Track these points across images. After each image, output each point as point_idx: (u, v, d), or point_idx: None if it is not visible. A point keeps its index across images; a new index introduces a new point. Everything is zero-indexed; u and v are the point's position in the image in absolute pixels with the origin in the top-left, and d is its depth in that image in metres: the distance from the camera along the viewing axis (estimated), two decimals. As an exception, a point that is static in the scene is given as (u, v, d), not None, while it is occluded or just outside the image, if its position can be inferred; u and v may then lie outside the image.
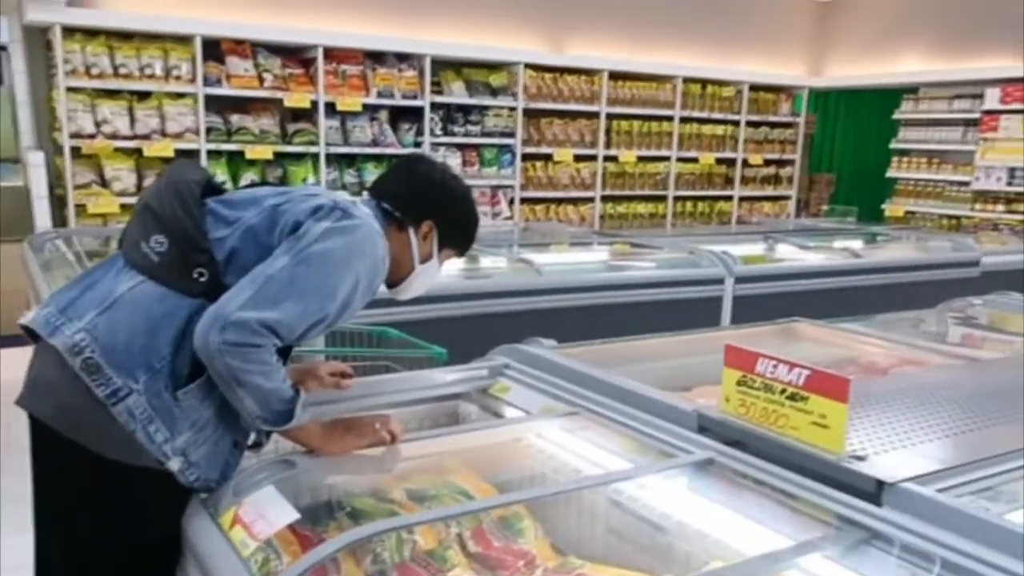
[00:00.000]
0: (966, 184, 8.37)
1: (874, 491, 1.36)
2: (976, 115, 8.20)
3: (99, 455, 1.56)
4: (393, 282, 1.91)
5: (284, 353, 1.67)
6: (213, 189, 1.80)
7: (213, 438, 1.63)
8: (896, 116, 8.91)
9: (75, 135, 5.77)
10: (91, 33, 5.84)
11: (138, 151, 5.99)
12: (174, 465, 1.58)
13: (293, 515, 1.49)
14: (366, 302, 1.73)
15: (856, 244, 5.74)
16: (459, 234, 1.96)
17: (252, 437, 1.74)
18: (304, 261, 1.59)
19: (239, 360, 1.51)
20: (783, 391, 1.51)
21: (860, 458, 1.44)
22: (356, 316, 1.76)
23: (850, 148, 9.88)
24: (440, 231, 1.91)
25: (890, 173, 9.04)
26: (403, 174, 1.95)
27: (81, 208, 5.86)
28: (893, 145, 8.98)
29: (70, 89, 5.73)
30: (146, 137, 5.96)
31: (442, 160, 2.06)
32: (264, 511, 1.49)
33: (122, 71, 5.88)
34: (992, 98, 8.01)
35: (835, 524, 1.36)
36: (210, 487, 1.63)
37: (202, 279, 1.61)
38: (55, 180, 6.04)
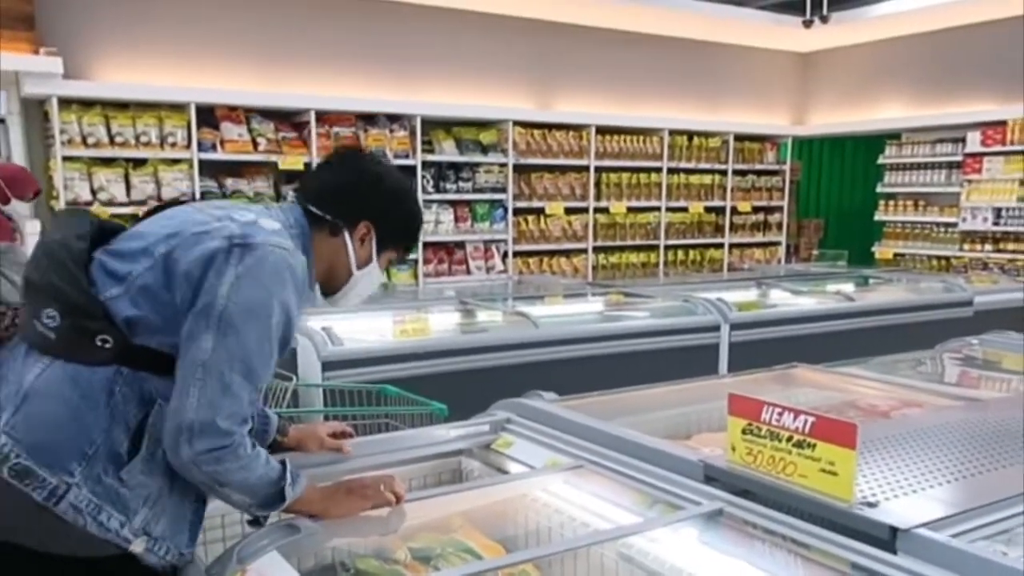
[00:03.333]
0: (953, 225, 8.46)
1: (888, 538, 1.35)
2: (959, 158, 8.33)
3: (48, 557, 1.45)
4: (329, 291, 1.78)
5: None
6: (109, 233, 1.62)
7: (171, 505, 1.54)
8: (880, 161, 9.04)
9: (72, 203, 5.81)
10: (87, 104, 5.92)
11: (134, 217, 5.98)
12: (138, 547, 1.48)
13: (297, 581, 1.46)
14: (300, 315, 1.63)
15: (848, 287, 5.77)
16: (401, 233, 1.80)
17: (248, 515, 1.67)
18: (229, 328, 1.46)
19: (215, 465, 1.45)
20: (790, 439, 1.51)
21: (871, 504, 1.43)
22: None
23: (836, 193, 10.02)
24: (379, 232, 1.74)
25: (878, 216, 9.14)
26: (332, 170, 1.77)
27: (78, 275, 5.86)
28: (879, 189, 9.09)
29: (67, 158, 5.79)
30: (142, 203, 5.99)
31: (380, 153, 1.90)
32: (269, 577, 1.46)
33: (118, 139, 5.95)
34: (973, 141, 8.15)
35: (850, 573, 1.34)
36: (183, 555, 1.55)
37: (107, 346, 1.47)
38: (51, 248, 6.06)
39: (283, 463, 1.58)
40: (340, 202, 1.71)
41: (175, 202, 1.72)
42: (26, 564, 1.47)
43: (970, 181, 8.23)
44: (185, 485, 1.56)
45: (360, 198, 1.72)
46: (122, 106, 6.06)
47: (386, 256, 1.80)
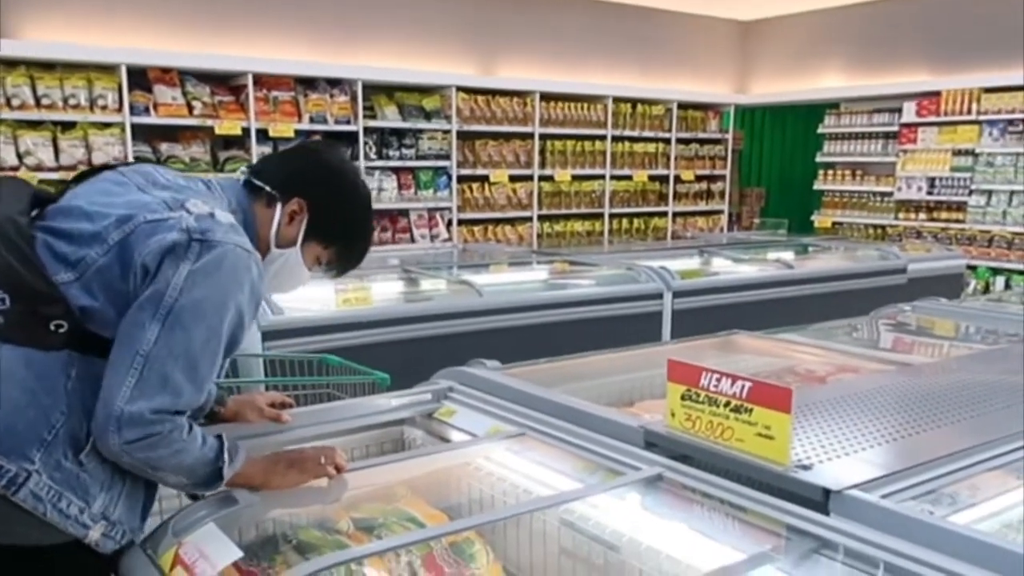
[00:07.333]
0: (889, 195, 8.67)
1: (821, 500, 1.38)
2: (895, 128, 8.52)
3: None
4: None
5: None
6: (41, 203, 1.55)
7: (127, 490, 1.51)
8: (820, 130, 9.20)
9: (-4, 168, 5.59)
10: (11, 64, 5.66)
11: (63, 183, 5.80)
12: (96, 533, 1.45)
13: (236, 553, 1.43)
14: (254, 318, 1.61)
15: (788, 255, 5.87)
16: (334, 225, 1.74)
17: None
18: (177, 323, 1.42)
19: (147, 451, 1.41)
20: (727, 404, 1.53)
21: (806, 467, 1.46)
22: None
23: (777, 162, 10.18)
24: (311, 217, 1.70)
25: (817, 185, 9.31)
26: (289, 152, 1.84)
27: (3, 242, 5.66)
28: (818, 158, 9.26)
29: (-11, 121, 5.55)
30: (72, 168, 5.78)
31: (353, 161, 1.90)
32: (206, 550, 1.43)
33: (45, 102, 5.72)
34: (909, 112, 8.33)
35: (785, 535, 1.37)
36: (134, 535, 1.53)
37: (62, 331, 1.42)
38: (-26, 215, 5.83)
39: (220, 439, 1.54)
40: (282, 174, 1.71)
41: (105, 167, 1.64)
42: None
43: (905, 151, 8.43)
44: None
45: (300, 174, 1.72)
46: (48, 66, 5.81)
47: (313, 248, 1.74)
